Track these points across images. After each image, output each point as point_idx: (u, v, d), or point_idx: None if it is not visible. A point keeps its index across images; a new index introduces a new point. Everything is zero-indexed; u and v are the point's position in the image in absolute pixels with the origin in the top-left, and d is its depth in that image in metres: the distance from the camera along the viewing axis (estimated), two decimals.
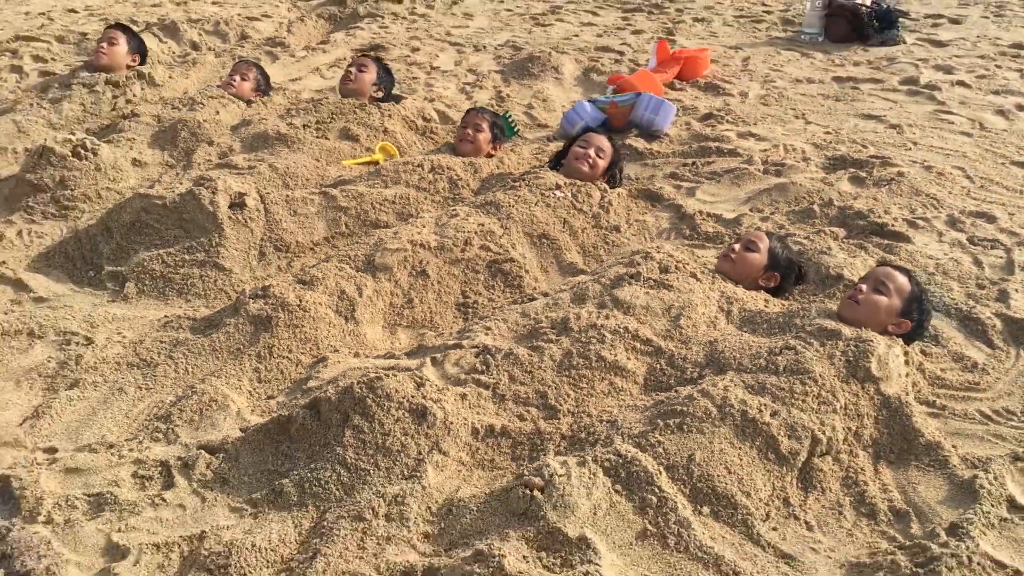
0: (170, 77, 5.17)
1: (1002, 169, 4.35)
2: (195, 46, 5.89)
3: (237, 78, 4.87)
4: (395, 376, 2.50)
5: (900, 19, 6.75)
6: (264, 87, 4.96)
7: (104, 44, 4.95)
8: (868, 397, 2.55)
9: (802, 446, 2.39)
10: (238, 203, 3.53)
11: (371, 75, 4.78)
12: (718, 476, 2.30)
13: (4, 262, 3.44)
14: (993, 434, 2.58)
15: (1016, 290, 3.26)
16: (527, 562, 2.01)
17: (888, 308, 2.79)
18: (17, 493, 2.31)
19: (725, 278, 3.13)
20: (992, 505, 2.27)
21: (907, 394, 2.62)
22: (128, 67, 5.00)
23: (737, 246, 3.20)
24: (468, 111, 4.47)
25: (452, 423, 2.46)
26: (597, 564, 2.01)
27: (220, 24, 6.32)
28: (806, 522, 2.29)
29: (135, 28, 5.43)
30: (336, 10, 7.14)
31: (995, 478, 2.35)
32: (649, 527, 2.16)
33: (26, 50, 5.82)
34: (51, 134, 4.20)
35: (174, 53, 5.70)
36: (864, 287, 2.84)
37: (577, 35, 6.55)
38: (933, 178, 4.19)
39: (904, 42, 6.56)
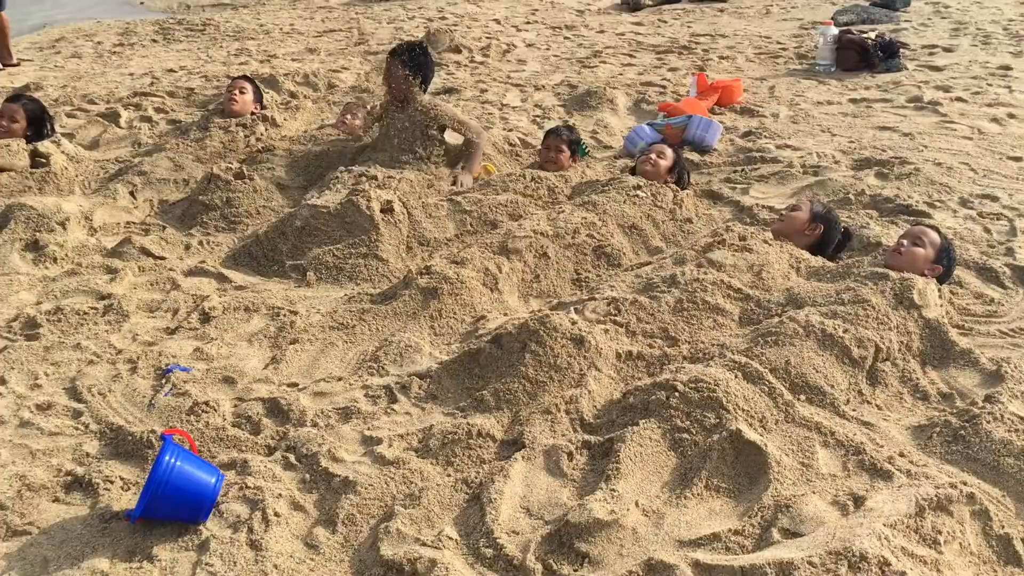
0: (284, 119, 6.04)
1: (1000, 162, 5.20)
2: (293, 95, 6.77)
3: (348, 116, 5.73)
4: (557, 314, 3.31)
5: (901, 50, 7.65)
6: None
7: (236, 92, 5.83)
8: (913, 320, 3.35)
9: (868, 353, 3.19)
10: (387, 208, 4.36)
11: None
12: (808, 374, 3.09)
13: (204, 261, 4.27)
14: (1011, 343, 3.38)
15: (1020, 247, 4.08)
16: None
17: (924, 257, 3.60)
18: (285, 408, 3.10)
19: (781, 237, 3.94)
20: (1015, 383, 3.07)
21: (942, 317, 3.42)
22: (252, 113, 5.88)
23: (783, 210, 4.04)
24: (548, 133, 5.32)
25: (601, 348, 3.26)
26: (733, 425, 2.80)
27: (309, 76, 7.22)
28: (877, 405, 3.07)
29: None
30: None
31: (1015, 367, 3.15)
32: (768, 406, 2.95)
33: (147, 103, 6.71)
34: (216, 164, 5.03)
35: (277, 101, 6.57)
36: (905, 242, 3.65)
37: (621, 74, 7.45)
38: (944, 171, 5.03)
39: (906, 68, 7.45)
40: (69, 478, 2.77)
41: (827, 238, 4.02)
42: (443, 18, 10.09)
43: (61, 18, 9.79)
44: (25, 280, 4.07)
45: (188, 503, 2.54)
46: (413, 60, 5.22)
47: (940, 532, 2.41)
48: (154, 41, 9.33)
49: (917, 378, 3.19)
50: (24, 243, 4.27)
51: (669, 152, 4.88)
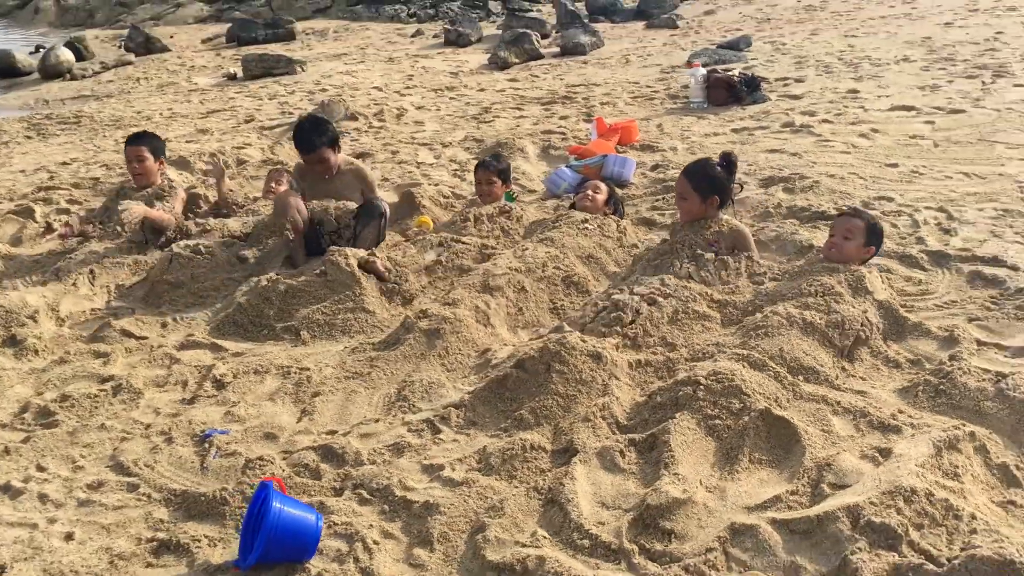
0: (211, 196, 6.11)
1: (881, 169, 5.91)
2: (205, 173, 6.83)
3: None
4: (571, 335, 3.62)
5: (762, 83, 8.46)
6: None
7: (136, 165, 5.61)
8: (869, 303, 3.86)
9: (843, 335, 3.65)
10: (363, 264, 4.56)
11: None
12: (800, 357, 3.52)
13: (192, 334, 4.33)
14: (949, 313, 3.93)
15: (926, 235, 4.70)
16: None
17: (856, 247, 4.09)
18: (340, 452, 3.25)
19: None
20: (968, 343, 3.59)
21: (891, 299, 3.94)
22: (161, 175, 5.75)
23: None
24: (477, 167, 5.65)
25: (616, 361, 3.59)
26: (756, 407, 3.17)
27: (216, 155, 7.30)
28: (860, 377, 3.52)
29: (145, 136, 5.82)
30: None
31: (963, 330, 3.68)
32: (777, 387, 3.35)
33: (56, 196, 6.62)
34: (175, 244, 5.07)
35: (193, 180, 6.62)
36: (836, 239, 4.13)
37: (519, 126, 7.90)
38: (838, 181, 5.68)
39: (770, 99, 8.25)
40: (155, 543, 2.83)
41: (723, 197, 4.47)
42: (323, 90, 10.31)
43: None
44: (14, 375, 4.02)
45: (298, 543, 2.68)
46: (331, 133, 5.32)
47: (957, 466, 2.85)
48: (28, 138, 9.11)
49: (885, 351, 3.68)
50: (1, 339, 4.21)
51: (603, 187, 5.31)
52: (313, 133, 5.23)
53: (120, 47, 15.53)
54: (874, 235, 4.15)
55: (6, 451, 3.39)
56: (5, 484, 3.18)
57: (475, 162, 6.75)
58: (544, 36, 12.81)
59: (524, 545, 2.70)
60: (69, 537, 2.88)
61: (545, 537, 2.75)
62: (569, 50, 11.68)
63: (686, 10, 15.04)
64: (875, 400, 3.31)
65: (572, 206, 5.34)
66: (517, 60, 11.27)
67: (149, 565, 2.76)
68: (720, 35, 12.13)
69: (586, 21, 14.25)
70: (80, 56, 14.02)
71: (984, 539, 2.50)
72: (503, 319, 4.27)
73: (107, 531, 2.91)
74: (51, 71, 13.20)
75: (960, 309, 3.96)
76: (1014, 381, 3.24)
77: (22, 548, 2.83)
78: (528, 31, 12.33)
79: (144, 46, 14.61)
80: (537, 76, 10.38)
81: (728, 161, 4.51)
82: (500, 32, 13.67)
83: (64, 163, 7.78)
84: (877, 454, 2.95)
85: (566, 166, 6.25)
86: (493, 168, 5.60)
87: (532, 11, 15.95)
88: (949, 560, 2.40)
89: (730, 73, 8.42)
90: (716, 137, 7.13)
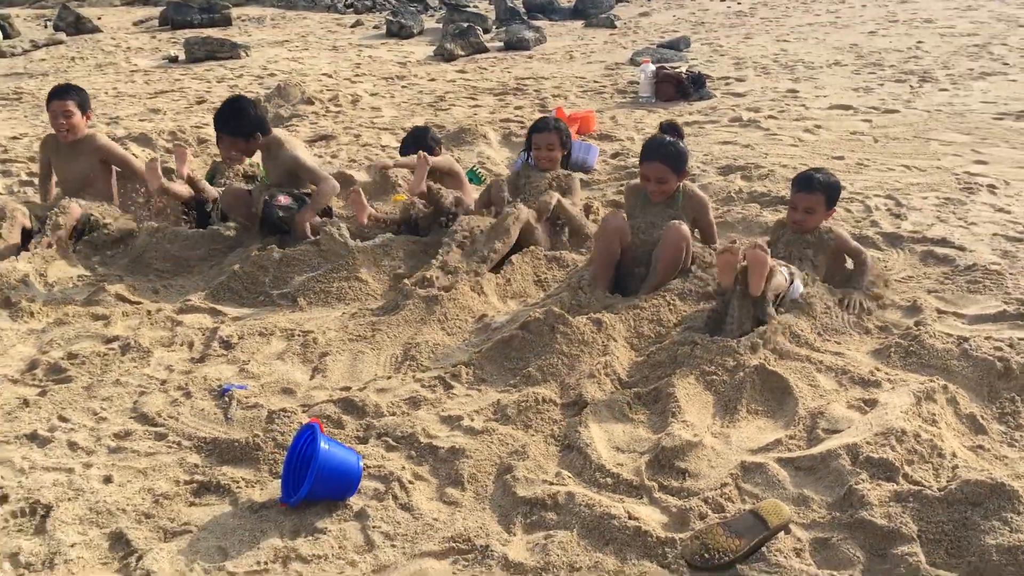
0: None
1: (829, 161, 6.31)
2: (169, 151, 6.83)
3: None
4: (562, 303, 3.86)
5: (706, 81, 8.85)
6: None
7: (62, 120, 5.21)
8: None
9: (819, 303, 3.96)
10: (356, 234, 4.70)
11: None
12: (784, 320, 3.82)
13: (189, 299, 4.40)
14: (908, 287, 4.29)
15: (879, 219, 5.08)
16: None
17: (818, 216, 4.27)
18: (360, 405, 3.40)
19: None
20: (930, 311, 3.95)
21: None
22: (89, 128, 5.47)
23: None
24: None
25: (615, 324, 3.82)
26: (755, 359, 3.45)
27: (177, 133, 7.29)
28: (835, 342, 3.83)
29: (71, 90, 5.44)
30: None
31: (924, 300, 4.05)
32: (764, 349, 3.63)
33: (15, 168, 6.54)
34: (158, 217, 5.11)
35: (157, 157, 6.62)
36: (798, 216, 4.34)
37: (476, 114, 8.09)
38: (791, 171, 6.03)
39: (715, 96, 8.64)
40: (194, 485, 2.95)
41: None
42: (271, 75, 10.30)
43: None
44: (13, 335, 4.04)
45: (342, 481, 2.84)
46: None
47: (934, 414, 3.18)
48: None
49: (861, 320, 4.01)
50: None
51: (555, 139, 5.10)
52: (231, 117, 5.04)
53: (46, 26, 15.13)
54: (832, 197, 4.22)
55: (25, 403, 3.45)
56: (31, 433, 3.24)
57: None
58: (485, 31, 13.01)
59: (551, 483, 2.92)
60: (108, 480, 2.98)
61: (569, 477, 2.97)
62: (513, 45, 11.92)
63: (621, 11, 15.45)
64: (852, 360, 3.63)
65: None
66: (463, 53, 11.46)
67: (192, 504, 2.88)
68: (658, 36, 12.54)
69: (525, 18, 14.51)
70: (7, 35, 13.62)
71: (967, 473, 2.82)
72: (493, 289, 4.47)
73: (144, 474, 3.01)
74: None
75: (917, 284, 4.33)
76: (976, 343, 3.59)
77: (63, 489, 2.91)
78: (472, 25, 12.53)
79: (75, 26, 14.26)
80: (485, 68, 10.59)
81: (675, 128, 4.56)
82: (440, 26, 13.83)
83: (14, 138, 7.65)
84: (863, 404, 3.26)
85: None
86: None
87: (470, 6, 16.14)
88: (942, 489, 2.71)
89: (678, 70, 8.77)
90: None
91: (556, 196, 4.88)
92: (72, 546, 2.65)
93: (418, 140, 5.72)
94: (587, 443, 3.10)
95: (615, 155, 6.70)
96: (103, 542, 2.69)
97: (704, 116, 7.91)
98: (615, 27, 13.72)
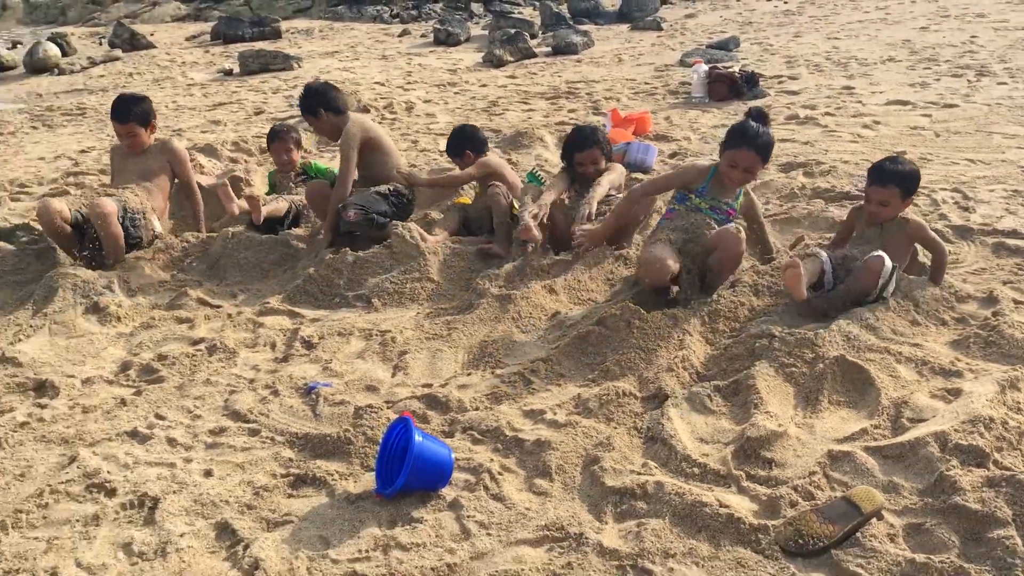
0: (251, 185, 6.28)
1: None
2: (234, 160, 6.99)
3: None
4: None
5: (759, 80, 8.84)
6: None
7: (127, 142, 5.33)
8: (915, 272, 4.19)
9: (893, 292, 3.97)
10: (425, 238, 4.80)
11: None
12: (860, 314, 3.83)
13: (267, 302, 4.52)
14: (981, 279, 4.28)
15: (947, 212, 5.06)
16: None
17: (895, 209, 4.14)
18: (443, 400, 3.48)
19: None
20: (1007, 301, 3.94)
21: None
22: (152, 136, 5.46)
23: None
24: (583, 143, 5.25)
25: (690, 320, 3.86)
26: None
27: (240, 143, 7.46)
28: (913, 334, 3.84)
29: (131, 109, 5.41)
30: None
31: (999, 291, 4.03)
32: (843, 340, 3.65)
33: (88, 180, 6.73)
34: (233, 225, 5.25)
35: (219, 167, 6.78)
36: (871, 208, 4.28)
37: (530, 118, 8.17)
38: (852, 167, 6.04)
39: (769, 94, 8.63)
40: (291, 478, 3.04)
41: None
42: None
43: None
44: (103, 338, 4.18)
45: (436, 472, 2.91)
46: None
47: (1019, 402, 3.17)
48: (34, 128, 9.16)
49: (940, 310, 4.00)
50: (84, 307, 4.36)
51: (597, 153, 4.98)
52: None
53: (100, 43, 15.52)
54: (908, 188, 4.10)
55: (123, 402, 3.57)
56: (132, 430, 3.36)
57: (498, 150, 7.02)
58: (532, 36, 13.10)
59: (639, 473, 2.96)
60: (208, 473, 3.08)
61: (656, 467, 3.01)
62: (561, 49, 11.99)
63: (667, 13, 15.46)
64: (932, 352, 3.63)
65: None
66: (512, 58, 11.55)
67: (291, 496, 2.97)
68: (706, 37, 12.54)
69: (571, 23, 14.59)
70: (64, 52, 14.00)
71: None
72: (563, 289, 4.52)
73: (242, 468, 3.11)
74: (38, 66, 13.17)
75: (991, 275, 4.31)
76: None
77: (168, 483, 3.02)
78: (520, 31, 12.63)
79: (129, 42, 14.62)
80: (535, 73, 10.67)
81: (762, 116, 4.37)
82: (486, 32, 13.94)
83: (83, 151, 7.88)
84: (947, 393, 3.27)
85: None
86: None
87: (515, 13, 16.27)
88: None
89: (730, 70, 8.78)
90: (724, 128, 7.45)
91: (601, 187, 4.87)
92: (182, 535, 2.75)
93: (463, 139, 5.68)
94: (671, 434, 3.14)
95: (673, 155, 6.73)
96: (210, 532, 2.79)
97: None
98: (661, 29, 13.73)
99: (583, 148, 4.96)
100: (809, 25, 12.75)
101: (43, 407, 3.56)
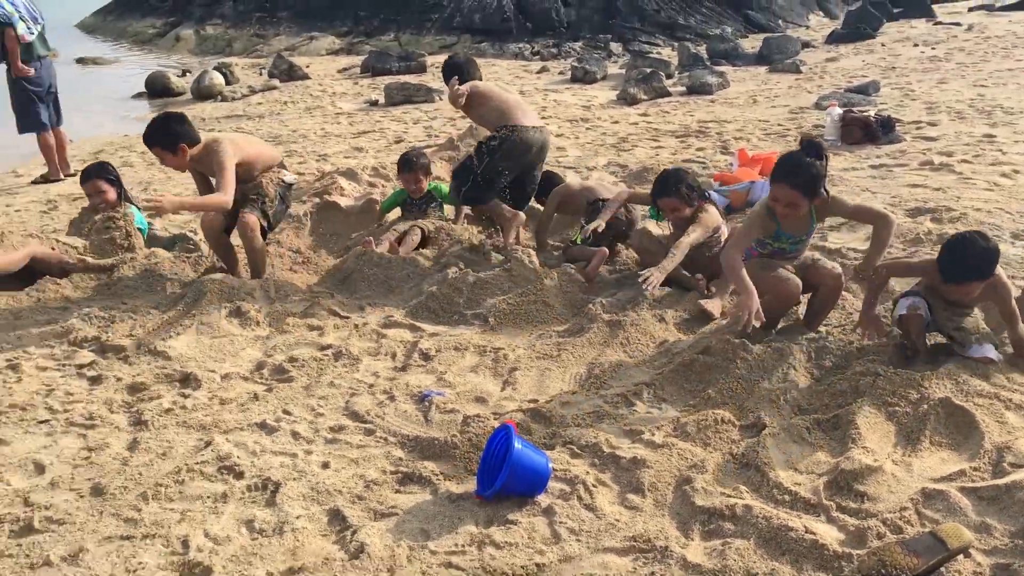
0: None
1: None
2: (372, 184, 7.39)
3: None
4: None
5: (895, 124, 8.70)
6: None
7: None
8: None
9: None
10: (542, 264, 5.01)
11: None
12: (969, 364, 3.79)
13: (391, 315, 4.82)
14: None
15: None
16: None
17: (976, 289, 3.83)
18: (546, 415, 3.65)
19: None
20: None
21: None
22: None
23: None
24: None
25: (796, 355, 3.91)
26: None
27: (379, 168, 7.88)
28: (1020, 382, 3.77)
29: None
30: None
31: None
32: (952, 384, 3.63)
33: None
34: (371, 241, 5.60)
35: (359, 190, 7.18)
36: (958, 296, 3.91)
37: (658, 155, 8.31)
38: (985, 214, 5.91)
39: (905, 139, 8.48)
40: (399, 475, 3.27)
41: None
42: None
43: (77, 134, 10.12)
44: (242, 340, 4.55)
45: (533, 479, 3.08)
46: None
47: None
48: None
49: None
50: (228, 311, 4.76)
51: (677, 203, 5.02)
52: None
53: (261, 73, 16.55)
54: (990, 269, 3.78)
55: (255, 397, 3.91)
56: (261, 422, 3.67)
57: (623, 184, 7.18)
58: (668, 76, 13.23)
59: (729, 495, 3.05)
60: (325, 465, 3.35)
61: (747, 491, 3.09)
62: (696, 89, 12.08)
63: (808, 56, 15.31)
64: None
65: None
66: (646, 97, 11.71)
67: (398, 491, 3.19)
68: (845, 81, 12.37)
69: (708, 63, 14.64)
70: (228, 80, 15.02)
71: None
72: (671, 317, 4.63)
73: (356, 463, 3.37)
74: (204, 92, 14.19)
75: None
76: None
77: (289, 471, 3.30)
78: (656, 70, 12.79)
79: (287, 73, 15.57)
80: (667, 112, 10.80)
81: (813, 146, 4.23)
82: (623, 71, 14.15)
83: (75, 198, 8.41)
84: None
85: (712, 191, 6.61)
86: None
87: (653, 53, 16.44)
88: None
89: (865, 114, 8.68)
90: (855, 172, 7.41)
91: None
92: (298, 518, 3.01)
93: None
94: (765, 462, 3.21)
95: None
96: (323, 517, 3.04)
97: (892, 159, 7.79)
98: (800, 72, 13.62)
99: (661, 195, 5.04)
100: (955, 72, 12.40)
101: (186, 396, 3.93)
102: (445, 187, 6.29)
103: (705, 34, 18.67)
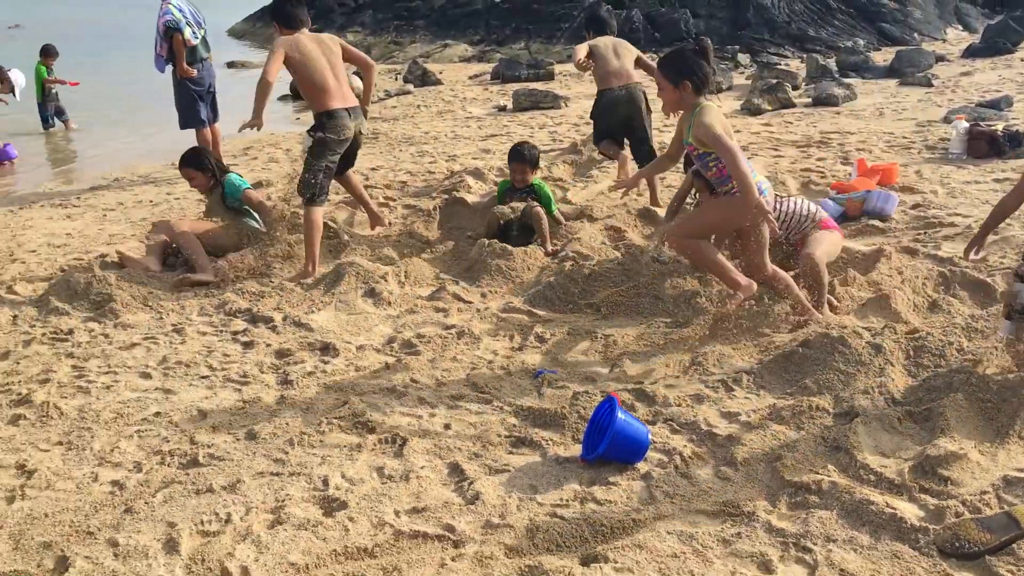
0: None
1: None
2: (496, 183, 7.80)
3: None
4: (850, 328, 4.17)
5: None
6: None
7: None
8: None
9: None
10: (656, 258, 5.29)
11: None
12: None
13: (510, 302, 5.19)
14: None
15: None
16: None
17: None
18: (650, 395, 3.94)
19: None
20: None
21: None
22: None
23: None
24: None
25: (894, 352, 4.08)
26: None
27: (504, 169, 8.29)
28: None
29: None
30: None
31: None
32: None
33: (375, 192, 7.79)
34: (487, 239, 6.01)
35: (485, 188, 7.60)
36: None
37: (777, 163, 8.45)
38: None
39: None
40: (512, 439, 3.62)
41: None
42: (587, 123, 11.24)
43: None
44: (375, 318, 5.01)
45: (633, 446, 3.38)
46: None
47: None
48: None
49: None
50: (363, 291, 5.23)
51: None
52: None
53: (396, 79, 17.32)
54: None
55: (386, 366, 4.35)
56: (391, 387, 4.10)
57: None
58: (794, 88, 13.22)
59: (817, 473, 3.28)
60: (447, 427, 3.73)
61: (834, 471, 3.31)
62: (821, 100, 12.06)
63: (941, 70, 14.99)
64: None
65: None
66: (770, 107, 11.77)
67: (510, 452, 3.54)
68: (978, 95, 12.12)
69: (837, 75, 14.53)
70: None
71: None
72: (775, 312, 4.83)
73: (474, 427, 3.74)
74: None
75: None
76: None
77: (415, 429, 3.70)
78: (781, 81, 12.82)
79: (421, 79, 16.28)
80: (790, 123, 10.85)
81: (701, 46, 4.60)
82: (748, 82, 14.20)
83: (372, 168, 9.06)
84: None
85: (828, 199, 6.74)
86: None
87: (781, 64, 16.40)
88: None
89: (993, 128, 8.58)
90: (977, 185, 7.38)
91: None
92: (422, 468, 3.40)
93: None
94: (855, 445, 3.42)
95: (915, 206, 6.78)
96: (443, 469, 3.42)
97: (1017, 174, 7.69)
98: (932, 86, 13.38)
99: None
100: None
101: (326, 363, 4.40)
102: (548, 188, 6.62)
103: (836, 46, 18.46)
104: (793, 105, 12.05)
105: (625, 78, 7.08)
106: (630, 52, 7.21)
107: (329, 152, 5.73)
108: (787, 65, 16.41)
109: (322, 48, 5.91)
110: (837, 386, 3.93)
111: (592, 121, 7.49)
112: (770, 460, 3.39)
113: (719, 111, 4.55)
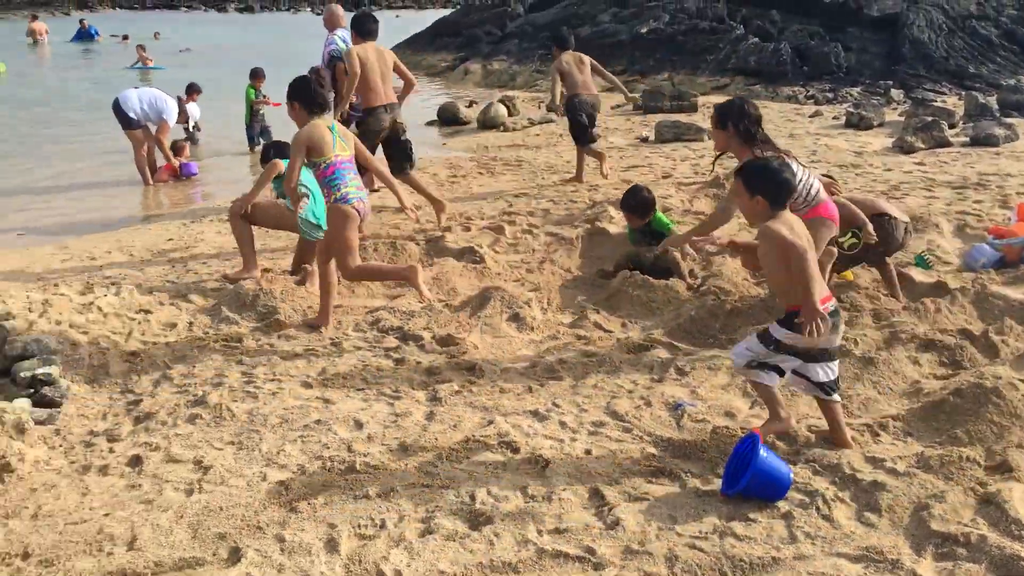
0: None
1: None
2: None
3: None
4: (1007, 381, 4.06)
5: None
6: None
7: None
8: None
9: None
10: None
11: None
12: None
13: (651, 334, 5.26)
14: None
15: None
16: None
17: None
18: (792, 435, 3.93)
19: None
20: None
21: None
22: None
23: None
24: None
25: None
26: None
27: None
28: None
29: None
30: None
31: None
32: None
33: (519, 219, 8.00)
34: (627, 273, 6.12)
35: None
36: None
37: (930, 204, 8.21)
38: None
39: None
40: (652, 468, 3.69)
41: None
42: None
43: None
44: (519, 342, 5.19)
45: (774, 485, 3.41)
46: None
47: None
48: (480, 174, 10.88)
49: None
50: (507, 316, 5.41)
51: None
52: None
53: (539, 107, 17.63)
54: None
55: (529, 389, 4.50)
56: (534, 410, 4.25)
57: None
58: (951, 126, 12.76)
59: (964, 525, 3.22)
60: (588, 452, 3.85)
61: (984, 524, 3.24)
62: (980, 140, 11.59)
63: None
64: None
65: None
66: (923, 146, 11.41)
67: (650, 481, 3.62)
68: None
69: (997, 114, 13.93)
70: (510, 112, 16.17)
71: None
72: (928, 358, 4.73)
73: (614, 454, 3.83)
74: (488, 122, 15.37)
75: None
76: None
77: (557, 452, 3.83)
78: (937, 119, 12.40)
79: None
80: (946, 162, 10.49)
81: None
82: (902, 119, 13.79)
83: (517, 195, 9.29)
84: None
85: (985, 244, 6.52)
86: None
87: (937, 101, 15.84)
88: None
89: None
90: None
91: None
92: (563, 490, 3.52)
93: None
94: (1007, 500, 3.34)
95: None
96: (584, 493, 3.52)
97: None
98: None
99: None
100: None
101: (472, 383, 4.58)
102: (665, 219, 6.71)
103: (997, 84, 17.66)
104: (949, 144, 11.63)
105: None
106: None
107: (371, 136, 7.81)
108: (943, 102, 15.83)
109: (378, 57, 7.93)
110: (990, 438, 3.84)
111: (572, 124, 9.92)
112: (917, 509, 3.35)
113: None
